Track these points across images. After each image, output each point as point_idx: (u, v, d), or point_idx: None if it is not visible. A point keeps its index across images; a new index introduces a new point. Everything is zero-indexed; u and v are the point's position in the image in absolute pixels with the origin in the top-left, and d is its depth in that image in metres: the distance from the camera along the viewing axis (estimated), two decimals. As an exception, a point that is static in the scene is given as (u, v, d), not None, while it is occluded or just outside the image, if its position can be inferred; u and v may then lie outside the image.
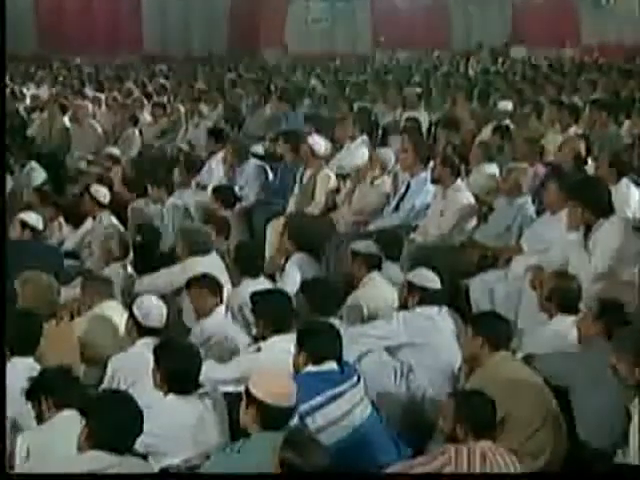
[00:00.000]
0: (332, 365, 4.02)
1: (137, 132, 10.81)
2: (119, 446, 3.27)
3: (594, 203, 5.02)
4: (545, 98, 11.36)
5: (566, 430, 4.00)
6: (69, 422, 3.62)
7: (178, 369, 3.91)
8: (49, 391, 3.79)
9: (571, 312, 4.58)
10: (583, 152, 7.02)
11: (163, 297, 5.01)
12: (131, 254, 6.32)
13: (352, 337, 4.68)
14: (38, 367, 4.15)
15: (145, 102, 12.39)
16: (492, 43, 24.59)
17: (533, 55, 22.81)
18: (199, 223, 6.87)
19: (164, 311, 4.63)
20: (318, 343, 4.04)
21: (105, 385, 4.46)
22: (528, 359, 4.36)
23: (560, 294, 4.65)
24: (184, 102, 12.24)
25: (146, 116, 11.75)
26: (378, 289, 5.32)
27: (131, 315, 4.61)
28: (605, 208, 5.04)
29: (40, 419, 3.81)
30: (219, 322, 5.04)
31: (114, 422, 3.29)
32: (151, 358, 4.02)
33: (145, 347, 4.36)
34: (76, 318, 5.28)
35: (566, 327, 4.49)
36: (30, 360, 4.27)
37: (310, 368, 4.01)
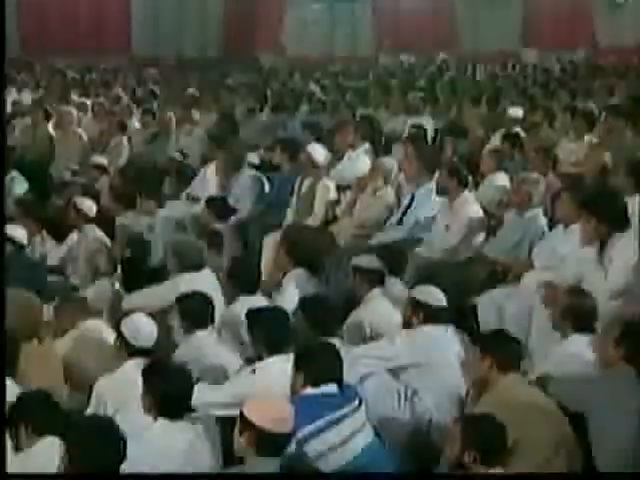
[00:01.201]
0: (332, 388, 4.03)
1: (125, 140, 10.84)
2: (101, 474, 3.27)
3: (609, 216, 5.04)
4: (558, 104, 11.43)
5: (582, 459, 4.00)
6: (49, 449, 3.63)
7: (168, 392, 3.92)
8: (28, 417, 3.80)
9: (587, 331, 4.59)
10: (609, 164, 7.05)
11: (153, 315, 5.02)
12: (119, 270, 6.33)
13: (353, 358, 4.69)
14: (18, 389, 4.15)
15: (134, 108, 12.43)
16: (501, 46, 24.67)
17: (545, 58, 22.88)
18: (191, 237, 6.89)
19: (154, 330, 4.64)
20: (317, 364, 4.05)
21: (90, 409, 4.46)
22: (541, 382, 4.37)
23: (575, 312, 4.65)
24: (175, 108, 12.29)
25: (135, 123, 11.78)
26: (381, 307, 5.33)
27: (119, 334, 4.62)
28: (621, 221, 5.06)
29: (18, 447, 3.81)
30: (212, 342, 5.05)
31: (96, 449, 3.30)
32: (140, 380, 4.02)
33: (133, 369, 4.37)
34: (59, 338, 5.28)
35: (582, 348, 4.50)
36: (9, 382, 4.27)
37: (309, 391, 4.02)
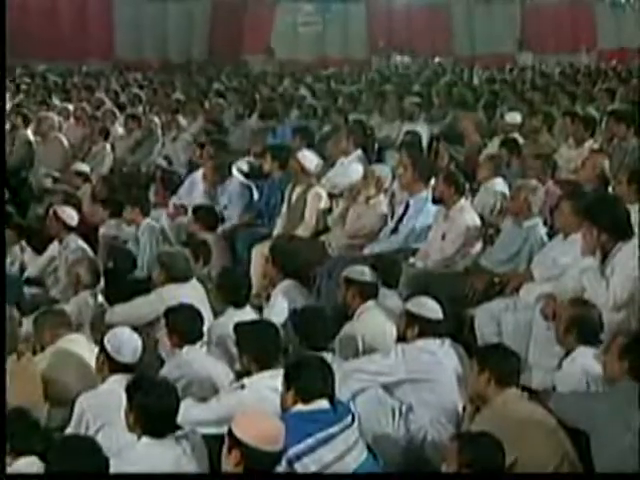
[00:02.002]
0: (324, 404, 4.03)
1: (108, 147, 10.84)
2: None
3: (611, 225, 5.05)
4: (557, 109, 11.44)
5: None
6: (28, 470, 3.61)
7: (153, 409, 3.91)
8: (5, 437, 3.78)
9: (592, 344, 4.60)
10: (607, 171, 7.06)
11: (137, 329, 5.01)
12: (102, 282, 6.32)
13: (346, 373, 4.69)
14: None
15: (117, 113, 12.43)
16: (499, 49, 24.77)
17: (544, 62, 22.97)
18: (177, 247, 6.89)
19: (138, 345, 4.64)
20: (308, 380, 4.05)
21: (72, 427, 4.44)
22: (541, 398, 4.37)
23: (580, 324, 4.65)
24: (160, 113, 12.29)
25: (118, 129, 11.78)
26: (374, 320, 5.34)
27: (102, 349, 4.61)
28: (624, 230, 5.07)
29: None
30: (199, 357, 5.04)
31: (77, 471, 3.29)
32: (123, 397, 4.02)
33: (117, 385, 4.36)
34: (39, 353, 5.27)
35: (590, 361, 4.51)
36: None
37: (299, 407, 4.02)
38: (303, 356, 4.54)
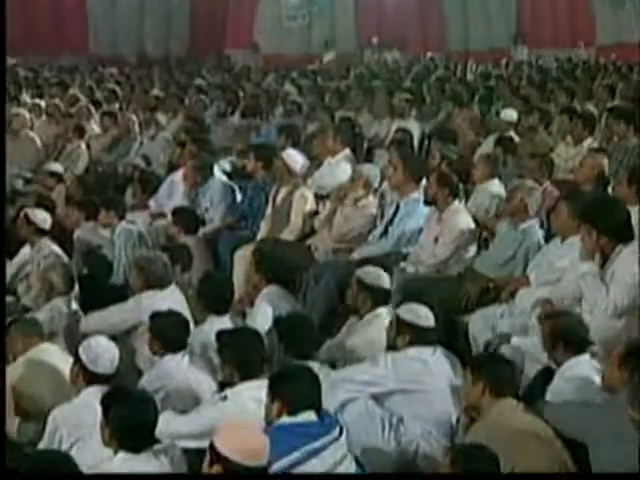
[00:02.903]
0: (310, 416, 4.03)
1: (83, 146, 10.82)
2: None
3: (611, 227, 5.07)
4: (555, 106, 11.50)
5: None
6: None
7: (130, 422, 3.91)
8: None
9: (583, 352, 4.62)
10: (607, 170, 7.09)
11: (114, 338, 5.00)
12: (76, 288, 6.31)
13: (333, 383, 4.70)
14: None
15: (93, 111, 12.41)
16: (494, 43, 24.84)
17: (541, 56, 23.06)
18: (156, 251, 6.87)
19: (115, 354, 4.63)
20: (294, 391, 4.05)
21: (45, 442, 4.43)
22: (538, 408, 4.39)
23: (566, 335, 4.66)
24: (138, 111, 12.27)
25: (94, 127, 11.76)
26: (381, 329, 5.28)
27: (77, 360, 4.60)
28: (624, 233, 5.09)
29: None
30: (179, 366, 5.04)
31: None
32: (99, 410, 4.01)
33: (92, 397, 4.36)
34: (10, 363, 5.25)
35: (587, 370, 4.53)
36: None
37: (285, 420, 4.02)
38: (289, 366, 4.54)
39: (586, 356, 4.61)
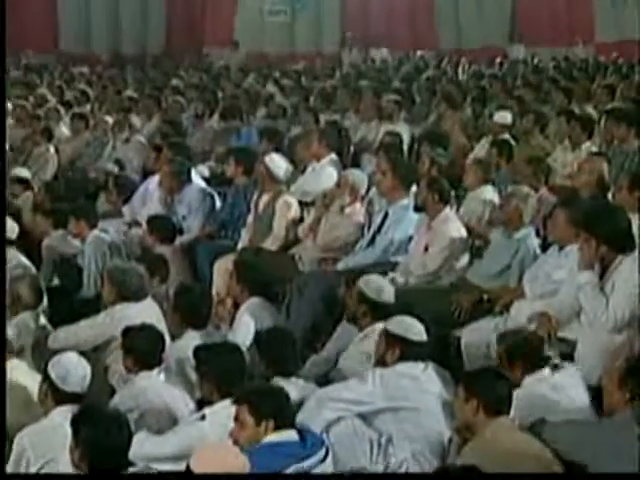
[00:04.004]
0: (292, 435, 4.04)
1: (52, 149, 10.80)
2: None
3: (611, 236, 5.10)
4: (551, 107, 11.56)
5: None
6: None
7: (102, 444, 3.90)
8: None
9: (543, 366, 4.67)
10: (607, 176, 7.12)
11: (85, 354, 4.99)
12: (45, 301, 6.29)
13: (319, 401, 4.71)
14: None
15: (62, 112, 12.39)
16: (487, 41, 24.93)
17: (537, 55, 23.16)
18: (130, 262, 6.87)
19: (87, 372, 4.62)
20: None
21: (10, 466, 4.41)
22: (535, 427, 4.41)
23: (521, 352, 4.72)
24: (111, 112, 12.26)
25: (63, 130, 11.74)
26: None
27: (45, 377, 4.59)
28: (624, 242, 5.12)
29: None
30: (155, 384, 5.04)
31: None
32: (69, 431, 4.00)
33: (62, 417, 4.35)
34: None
35: (541, 389, 4.57)
36: None
37: (265, 439, 4.02)
38: (261, 384, 4.55)
39: (545, 372, 4.66)
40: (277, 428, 4.07)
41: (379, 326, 5.35)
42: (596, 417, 4.53)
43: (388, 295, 5.56)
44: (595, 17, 24.97)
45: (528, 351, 4.74)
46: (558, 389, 4.60)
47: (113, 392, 5.33)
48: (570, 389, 4.65)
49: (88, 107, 13.66)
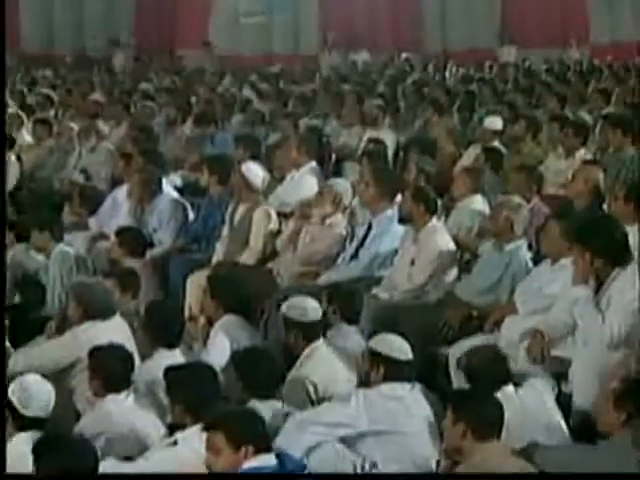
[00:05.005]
0: (269, 460, 4.04)
1: (14, 158, 10.76)
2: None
3: (607, 249, 5.13)
4: (544, 113, 11.62)
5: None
6: None
7: (66, 472, 3.89)
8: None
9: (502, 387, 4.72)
10: (602, 185, 7.15)
11: (48, 376, 4.97)
12: (6, 320, 6.27)
13: (299, 425, 4.71)
14: None
15: (24, 118, 12.35)
16: (476, 43, 25.03)
17: (528, 58, 23.27)
18: (98, 277, 6.86)
19: (51, 396, 4.61)
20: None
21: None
22: (527, 451, 4.42)
23: (481, 371, 4.79)
24: (76, 118, 12.23)
25: (25, 137, 11.70)
26: (325, 362, 5.32)
27: (6, 402, 4.57)
28: (621, 255, 5.15)
29: None
30: (123, 408, 5.02)
31: None
32: (31, 458, 3.98)
33: (24, 445, 4.32)
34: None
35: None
36: None
37: (245, 465, 4.02)
38: (234, 407, 4.55)
39: (509, 388, 4.70)
40: (255, 453, 4.07)
41: (316, 345, 5.38)
42: (569, 437, 4.60)
43: (312, 312, 5.51)
44: (590, 17, 25.06)
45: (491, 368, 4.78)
46: (523, 409, 4.62)
47: (78, 417, 5.31)
48: (534, 408, 4.69)
49: (52, 112, 13.61)
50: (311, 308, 5.55)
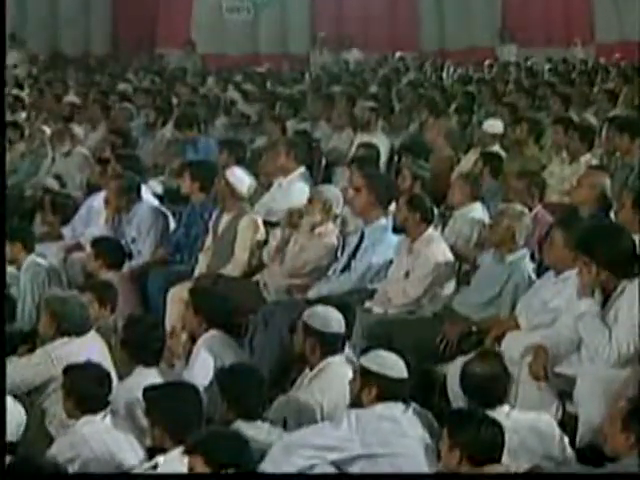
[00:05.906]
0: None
1: (-17, 163, 10.76)
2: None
3: (613, 260, 5.14)
4: (547, 115, 11.65)
5: None
6: None
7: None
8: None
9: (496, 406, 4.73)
10: (608, 192, 7.17)
11: (19, 397, 4.96)
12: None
13: (288, 448, 4.70)
14: None
15: (-6, 121, 12.35)
16: (475, 41, 25.08)
17: (530, 57, 23.33)
18: (72, 290, 6.85)
19: (22, 418, 4.59)
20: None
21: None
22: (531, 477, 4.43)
23: (485, 383, 4.80)
24: (49, 121, 12.22)
25: (-5, 141, 11.69)
26: (338, 381, 5.27)
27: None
28: (628, 266, 5.17)
29: None
30: (99, 430, 5.01)
31: None
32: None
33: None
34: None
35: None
36: None
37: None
38: (214, 430, 4.55)
39: (504, 409, 4.74)
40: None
41: (332, 360, 5.36)
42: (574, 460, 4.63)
43: (337, 324, 5.51)
44: (595, 14, 25.15)
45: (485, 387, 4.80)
46: (516, 431, 4.63)
47: (51, 440, 5.29)
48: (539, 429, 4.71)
49: (23, 115, 13.60)
50: (335, 319, 5.52)
